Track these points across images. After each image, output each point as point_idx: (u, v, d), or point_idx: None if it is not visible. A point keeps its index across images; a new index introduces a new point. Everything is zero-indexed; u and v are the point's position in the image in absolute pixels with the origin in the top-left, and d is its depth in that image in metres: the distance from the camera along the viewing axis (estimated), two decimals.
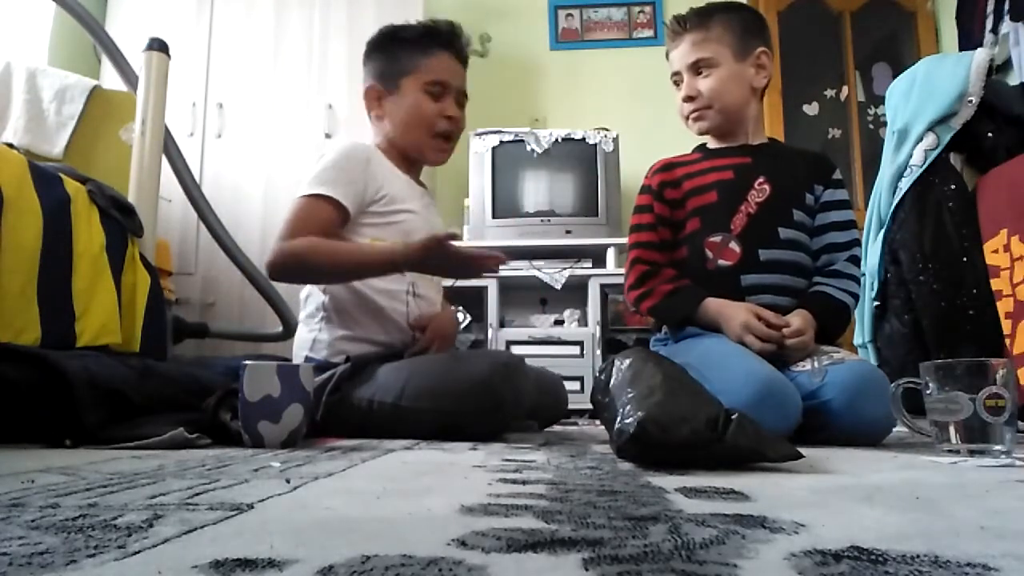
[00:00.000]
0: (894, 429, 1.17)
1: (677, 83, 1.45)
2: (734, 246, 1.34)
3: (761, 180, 1.37)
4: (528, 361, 1.49)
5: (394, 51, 1.50)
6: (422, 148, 1.49)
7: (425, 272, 1.36)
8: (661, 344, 1.42)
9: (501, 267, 1.36)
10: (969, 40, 2.80)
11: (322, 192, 1.33)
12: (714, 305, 1.31)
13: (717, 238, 1.36)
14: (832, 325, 1.33)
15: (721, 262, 1.35)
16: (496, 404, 1.19)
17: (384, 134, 1.50)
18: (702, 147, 1.51)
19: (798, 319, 1.26)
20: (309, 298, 1.44)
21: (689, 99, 1.41)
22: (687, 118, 1.45)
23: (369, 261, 1.31)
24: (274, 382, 0.97)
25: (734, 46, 1.39)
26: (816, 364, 1.21)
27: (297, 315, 1.50)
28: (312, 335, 1.40)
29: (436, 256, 1.26)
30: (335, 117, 2.86)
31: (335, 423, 1.22)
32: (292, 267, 1.30)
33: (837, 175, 1.44)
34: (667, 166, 1.47)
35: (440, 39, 1.49)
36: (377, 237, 1.38)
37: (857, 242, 1.40)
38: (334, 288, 1.38)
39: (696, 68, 1.40)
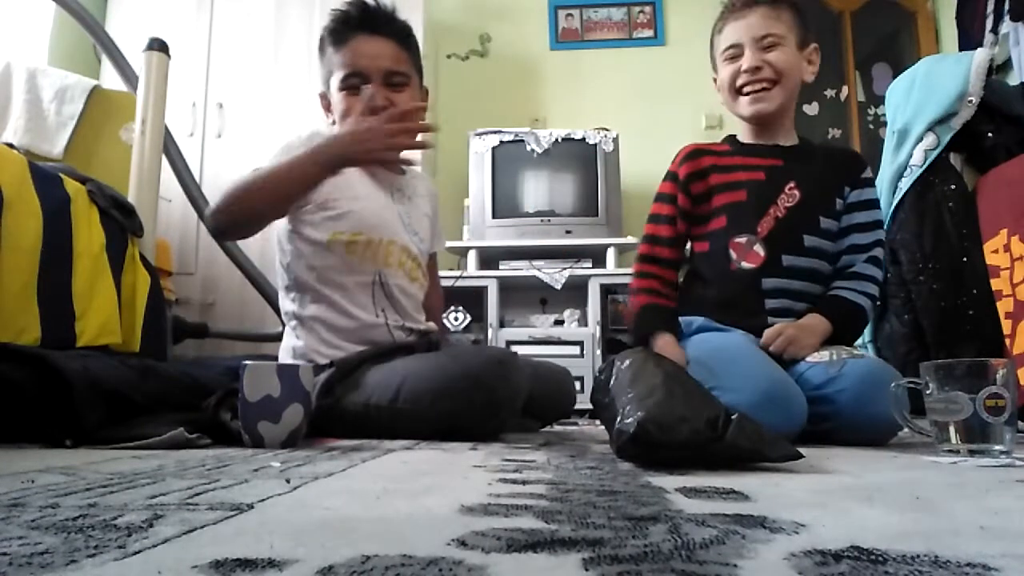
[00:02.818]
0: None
1: (733, 57, 1.37)
2: (759, 249, 1.32)
3: (792, 185, 1.35)
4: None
5: (323, 52, 1.40)
6: None
7: (349, 156, 1.23)
8: None
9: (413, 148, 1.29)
10: (969, 40, 2.80)
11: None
12: (658, 345, 1.31)
13: (742, 239, 1.34)
14: (847, 328, 1.31)
15: (744, 264, 1.33)
16: (492, 401, 1.18)
17: None
18: (732, 139, 1.46)
19: (802, 327, 1.26)
20: (283, 308, 1.42)
21: (754, 70, 1.34)
22: (740, 92, 1.36)
23: (290, 165, 1.23)
24: (274, 382, 0.97)
25: (798, 33, 1.37)
26: (835, 356, 1.20)
27: None
28: (291, 342, 1.39)
29: (358, 134, 1.21)
30: None
31: (331, 426, 1.22)
32: (229, 206, 1.22)
33: (867, 173, 1.41)
34: (695, 153, 1.42)
35: (350, 23, 1.35)
36: (338, 231, 1.34)
37: (880, 243, 1.38)
38: (304, 299, 1.36)
39: (763, 42, 1.34)
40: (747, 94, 1.36)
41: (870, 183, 1.41)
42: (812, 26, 1.41)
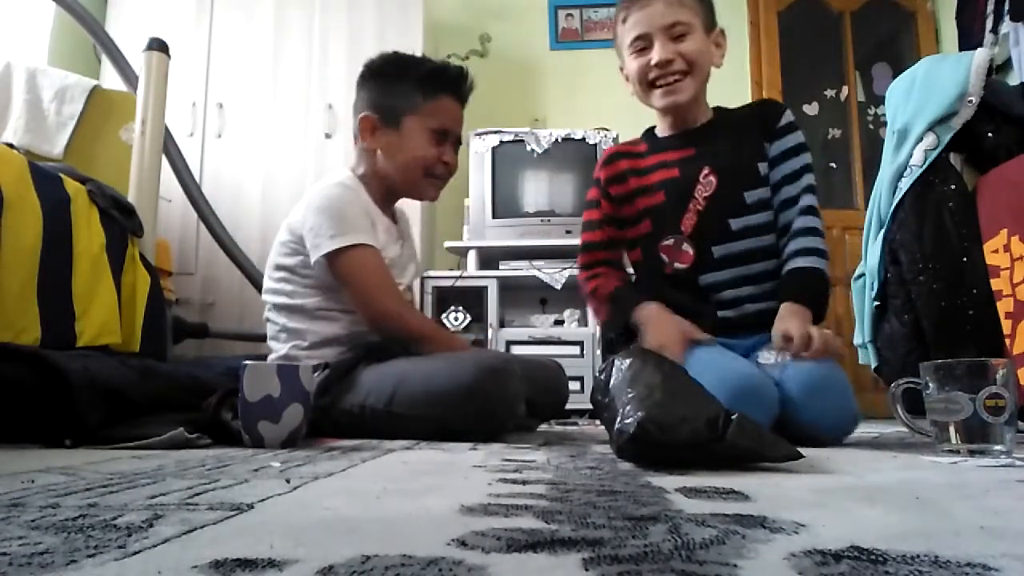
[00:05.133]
0: (897, 429, 1.16)
1: (642, 49, 1.32)
2: (687, 248, 1.32)
3: (706, 172, 1.32)
4: None
5: (397, 86, 1.45)
6: (417, 187, 1.50)
7: None
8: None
9: None
10: (969, 40, 2.80)
11: (364, 242, 1.35)
12: (643, 315, 1.28)
13: (670, 241, 1.33)
14: (817, 299, 1.27)
15: (677, 265, 1.32)
16: (487, 410, 1.18)
17: (371, 165, 1.48)
18: (650, 133, 1.45)
19: (794, 325, 1.19)
20: (269, 322, 1.45)
21: (666, 63, 1.30)
22: (654, 86, 1.33)
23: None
24: (274, 382, 0.97)
25: (703, 17, 1.33)
26: (779, 358, 1.19)
27: None
28: (282, 349, 1.41)
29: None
30: (335, 117, 2.86)
31: (328, 427, 1.23)
32: (396, 336, 1.36)
33: (786, 118, 1.36)
34: (612, 157, 1.44)
35: (447, 83, 1.47)
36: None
37: (811, 188, 1.32)
38: (303, 317, 1.40)
39: (672, 31, 1.30)
40: (660, 86, 1.33)
41: (790, 129, 1.35)
42: (713, 8, 1.37)
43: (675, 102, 1.33)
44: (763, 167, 1.34)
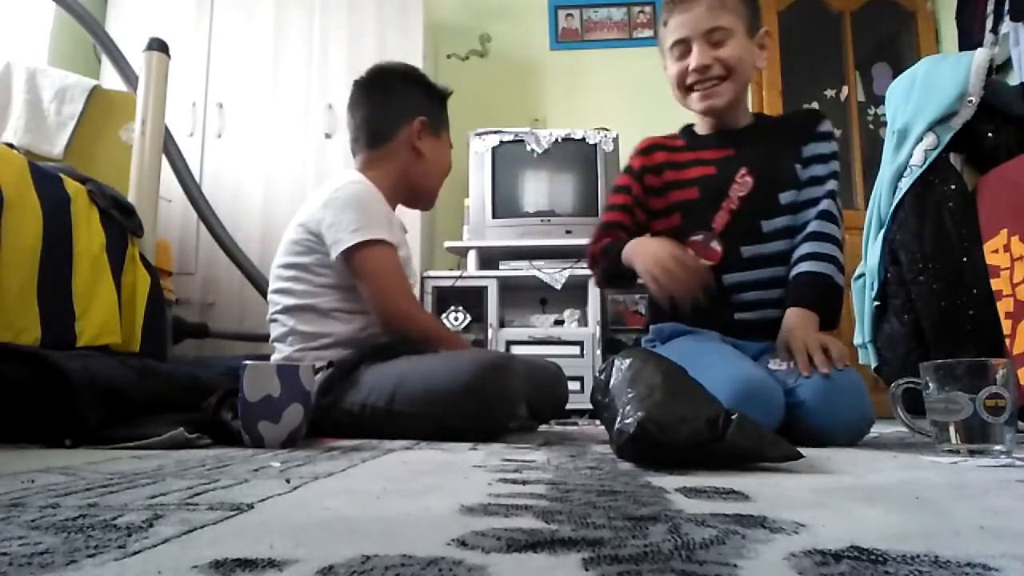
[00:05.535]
0: (897, 429, 1.16)
1: (681, 54, 1.33)
2: (716, 245, 1.31)
3: (743, 172, 1.32)
4: None
5: (435, 99, 1.58)
6: (435, 194, 1.62)
7: None
8: (650, 345, 1.41)
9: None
10: (969, 40, 2.80)
11: (384, 238, 1.37)
12: (629, 246, 1.27)
13: (699, 236, 1.32)
14: (828, 307, 1.28)
15: (704, 262, 1.30)
16: (487, 407, 1.18)
17: (404, 169, 1.51)
18: (688, 130, 1.45)
19: (795, 338, 1.18)
20: (276, 323, 1.45)
21: (704, 68, 1.30)
22: (691, 90, 1.34)
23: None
24: (274, 382, 0.97)
25: (747, 20, 1.32)
26: (788, 366, 1.18)
27: None
28: (287, 351, 1.42)
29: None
30: (335, 117, 2.86)
31: (329, 426, 1.23)
32: (407, 335, 1.37)
33: (824, 127, 1.37)
34: (649, 149, 1.43)
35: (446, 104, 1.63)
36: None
37: (832, 193, 1.33)
38: (301, 314, 1.41)
39: (711, 36, 1.30)
40: (697, 90, 1.33)
41: (826, 136, 1.37)
42: (758, 8, 1.38)
43: (712, 106, 1.33)
44: (798, 168, 1.35)
